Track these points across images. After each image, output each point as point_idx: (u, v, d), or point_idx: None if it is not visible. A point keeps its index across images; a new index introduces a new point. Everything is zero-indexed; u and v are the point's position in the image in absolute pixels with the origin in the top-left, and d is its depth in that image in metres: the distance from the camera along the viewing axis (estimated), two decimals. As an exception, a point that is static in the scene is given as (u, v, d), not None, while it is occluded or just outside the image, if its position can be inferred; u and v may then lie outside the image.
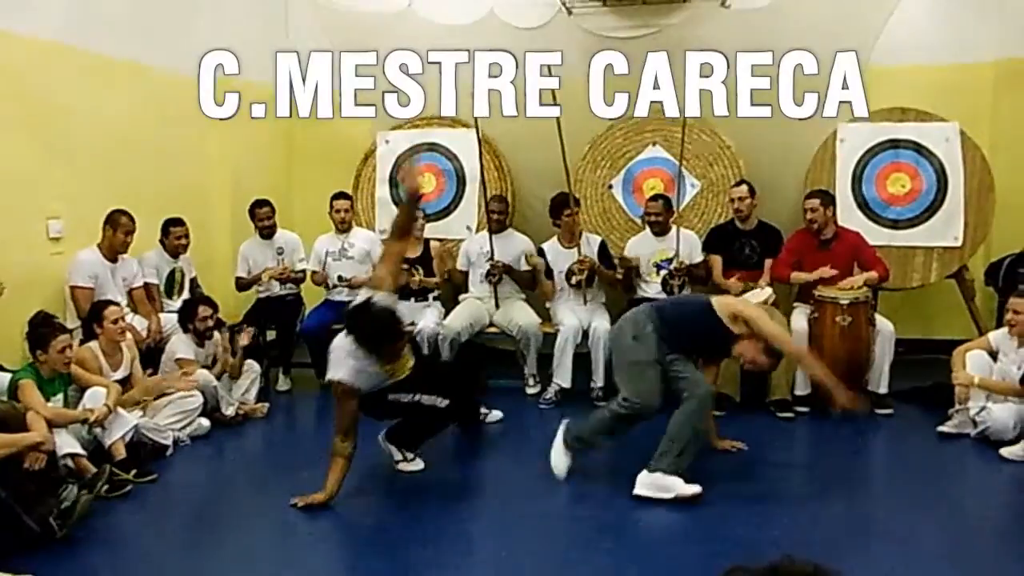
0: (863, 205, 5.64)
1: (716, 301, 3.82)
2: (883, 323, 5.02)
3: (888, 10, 5.65)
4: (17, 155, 4.55)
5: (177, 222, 5.40)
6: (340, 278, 5.83)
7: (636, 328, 3.79)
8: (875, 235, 5.49)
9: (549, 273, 5.56)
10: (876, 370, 4.97)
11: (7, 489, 3.10)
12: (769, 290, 4.93)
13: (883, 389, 4.98)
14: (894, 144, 5.63)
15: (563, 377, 5.29)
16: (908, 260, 5.60)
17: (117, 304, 4.61)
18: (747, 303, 3.94)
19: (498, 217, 5.66)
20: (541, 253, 5.60)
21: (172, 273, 5.47)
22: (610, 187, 6.03)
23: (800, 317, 5.09)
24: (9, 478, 3.16)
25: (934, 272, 5.60)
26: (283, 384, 5.82)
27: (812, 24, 5.63)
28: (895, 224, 5.63)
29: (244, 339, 5.17)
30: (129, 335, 4.68)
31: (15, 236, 4.53)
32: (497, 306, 5.62)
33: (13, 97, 4.51)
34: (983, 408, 4.36)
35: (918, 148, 5.60)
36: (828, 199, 5.19)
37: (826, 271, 5.03)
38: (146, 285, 5.24)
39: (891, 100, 5.68)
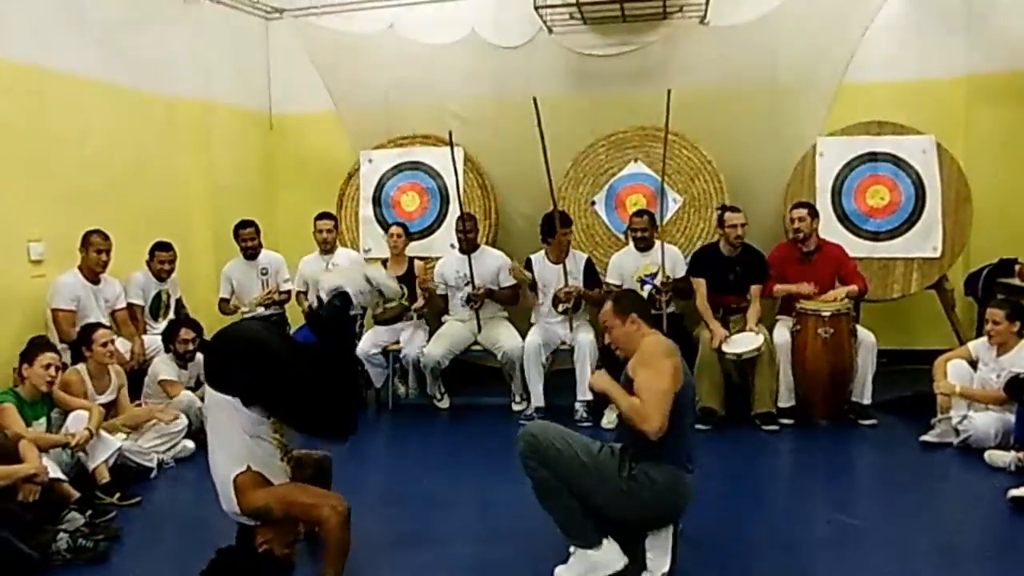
0: (843, 218, 5.70)
1: None
2: (865, 334, 5.06)
3: (862, 27, 5.74)
4: (-3, 178, 4.54)
5: (164, 246, 5.40)
6: (323, 300, 5.80)
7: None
8: (856, 247, 5.55)
9: (533, 286, 5.55)
10: (859, 381, 5.02)
11: (1, 520, 3.07)
12: (761, 338, 4.92)
13: (866, 400, 5.02)
14: (872, 157, 5.70)
15: (535, 395, 5.32)
16: (889, 271, 5.66)
17: (107, 327, 4.59)
18: None
19: (469, 236, 5.59)
20: (528, 264, 5.58)
21: (158, 295, 5.46)
22: (593, 203, 6.05)
23: (782, 329, 5.12)
24: (4, 509, 3.14)
25: (914, 283, 5.66)
26: (268, 404, 5.77)
27: (789, 42, 5.74)
28: (875, 236, 5.69)
29: None
30: (116, 359, 4.65)
31: (-5, 259, 4.52)
32: (479, 327, 5.61)
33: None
34: (965, 417, 4.40)
35: (896, 161, 5.67)
36: (814, 211, 5.25)
37: (806, 287, 5.07)
38: (130, 306, 5.23)
39: (867, 115, 5.77)
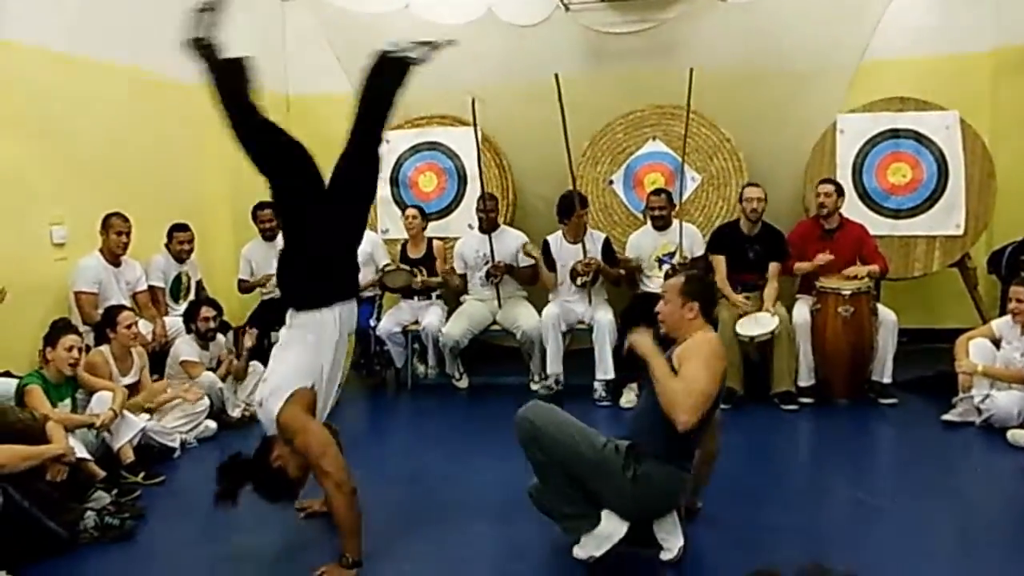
0: (864, 195, 5.64)
1: None
2: (886, 313, 5.02)
3: (885, 2, 5.64)
4: (20, 162, 4.60)
5: (182, 227, 5.44)
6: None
7: None
8: (877, 225, 5.50)
9: (552, 265, 5.56)
10: (879, 360, 4.98)
11: (31, 499, 3.13)
12: (776, 320, 4.89)
13: (887, 379, 4.99)
14: (894, 134, 5.64)
15: (555, 363, 5.32)
16: (910, 249, 5.60)
17: (130, 309, 4.64)
18: None
19: (490, 215, 5.60)
20: (546, 246, 5.58)
21: (178, 277, 5.52)
22: (611, 183, 6.03)
23: (802, 308, 5.09)
24: (33, 488, 3.20)
25: (936, 261, 5.60)
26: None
27: (809, 18, 5.65)
28: (896, 214, 5.63)
29: (248, 341, 5.20)
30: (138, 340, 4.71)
31: (19, 242, 4.58)
32: (500, 305, 5.62)
33: (16, 105, 4.57)
34: (987, 396, 4.37)
35: (918, 137, 5.60)
36: (840, 189, 5.22)
37: (822, 256, 5.04)
38: (151, 289, 5.28)
39: (890, 91, 5.70)
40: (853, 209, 5.50)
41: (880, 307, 5.06)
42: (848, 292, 4.88)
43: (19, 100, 4.59)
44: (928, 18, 5.90)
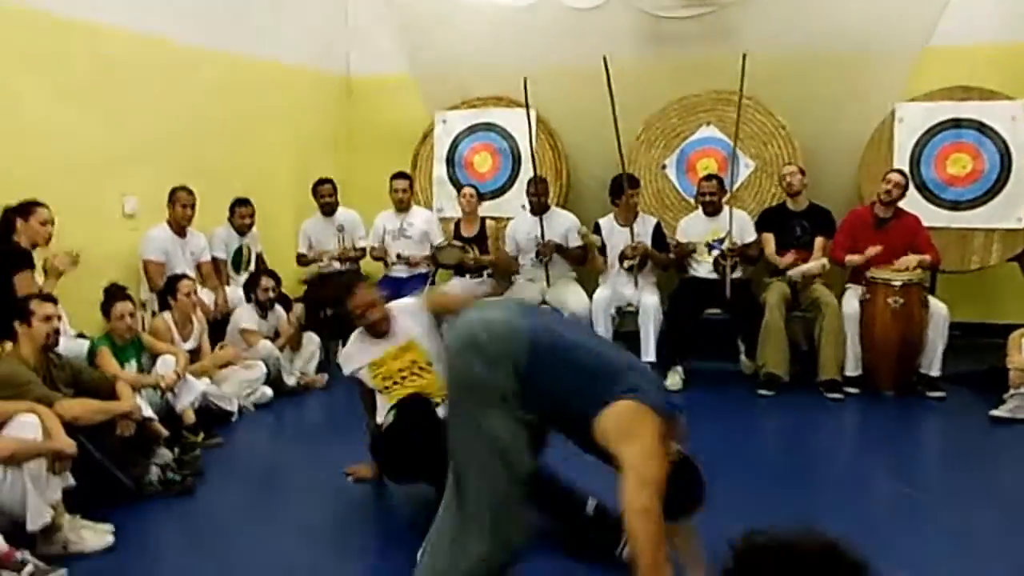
0: (921, 186, 5.55)
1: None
2: (937, 305, 4.97)
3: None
4: (98, 138, 4.84)
5: (243, 202, 5.63)
6: (399, 256, 5.99)
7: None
8: (933, 216, 5.41)
9: (603, 249, 5.63)
10: (929, 353, 4.93)
11: (102, 451, 3.35)
12: (824, 260, 5.08)
13: (935, 372, 4.94)
14: (956, 123, 5.52)
15: None
16: (967, 242, 5.50)
17: (190, 278, 4.86)
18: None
19: (539, 199, 5.67)
20: (597, 228, 5.65)
21: (239, 249, 5.72)
22: (664, 167, 6.05)
23: (852, 298, 5.07)
24: (104, 441, 3.42)
25: (995, 254, 5.49)
26: (342, 356, 6.03)
27: (871, 2, 5.55)
28: (955, 205, 5.53)
29: (297, 313, 5.42)
30: (199, 308, 4.93)
31: (94, 212, 4.82)
32: (548, 285, 5.71)
33: (97, 85, 4.80)
34: (1038, 393, 4.31)
35: (981, 128, 5.48)
36: (907, 180, 5.18)
37: (873, 249, 5.03)
38: (214, 259, 5.49)
39: (952, 79, 5.57)
40: (909, 200, 5.38)
41: (931, 299, 5.00)
42: (898, 283, 4.84)
43: (99, 80, 4.82)
44: (994, 4, 5.73)
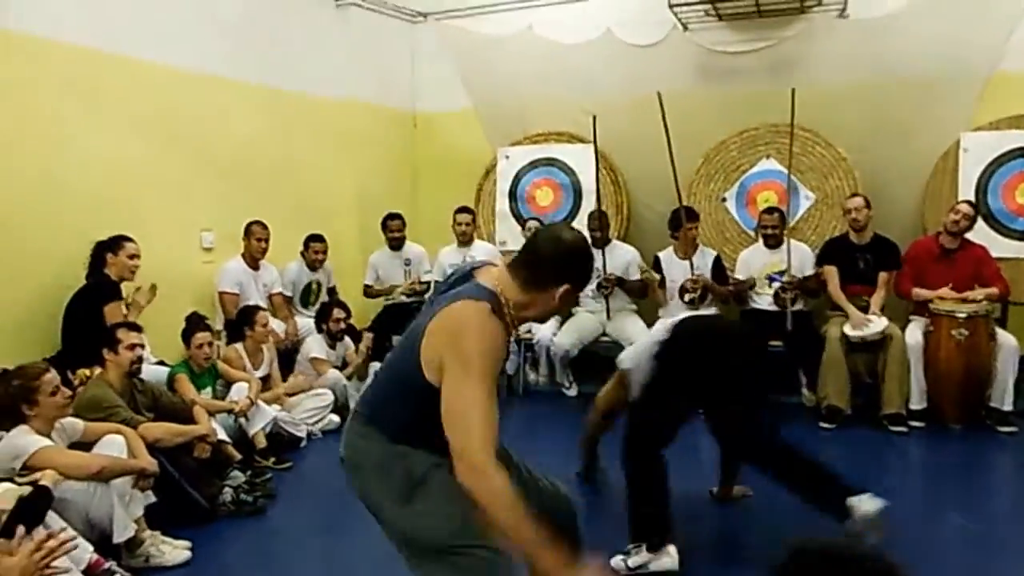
0: (988, 216, 5.46)
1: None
2: (1006, 337, 4.87)
3: (1017, 15, 5.46)
4: (175, 175, 5.12)
5: (317, 238, 5.84)
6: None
7: None
8: (1002, 247, 5.32)
9: (662, 282, 5.68)
10: (999, 386, 4.83)
11: (180, 471, 3.55)
12: (885, 321, 4.93)
13: (1007, 406, 4.82)
14: (1023, 153, 5.44)
15: None
16: (1039, 273, 5.38)
17: (265, 309, 5.09)
18: None
19: (598, 234, 5.70)
20: (656, 261, 5.71)
21: (309, 285, 5.93)
22: (723, 200, 6.08)
23: (916, 330, 5.01)
24: (182, 462, 3.63)
25: (1067, 285, 5.36)
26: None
27: (936, 32, 5.53)
28: (1024, 236, 5.43)
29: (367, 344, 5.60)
30: (270, 338, 5.14)
31: (174, 246, 5.09)
32: (609, 317, 5.77)
33: (168, 123, 5.07)
34: (1114, 428, 4.18)
35: (1050, 157, 5.38)
36: (976, 211, 5.13)
37: (947, 292, 4.97)
38: (280, 294, 5.68)
39: (1017, 108, 5.49)
40: (977, 230, 5.30)
41: (1000, 331, 4.91)
42: (963, 315, 4.77)
43: (170, 119, 5.07)
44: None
